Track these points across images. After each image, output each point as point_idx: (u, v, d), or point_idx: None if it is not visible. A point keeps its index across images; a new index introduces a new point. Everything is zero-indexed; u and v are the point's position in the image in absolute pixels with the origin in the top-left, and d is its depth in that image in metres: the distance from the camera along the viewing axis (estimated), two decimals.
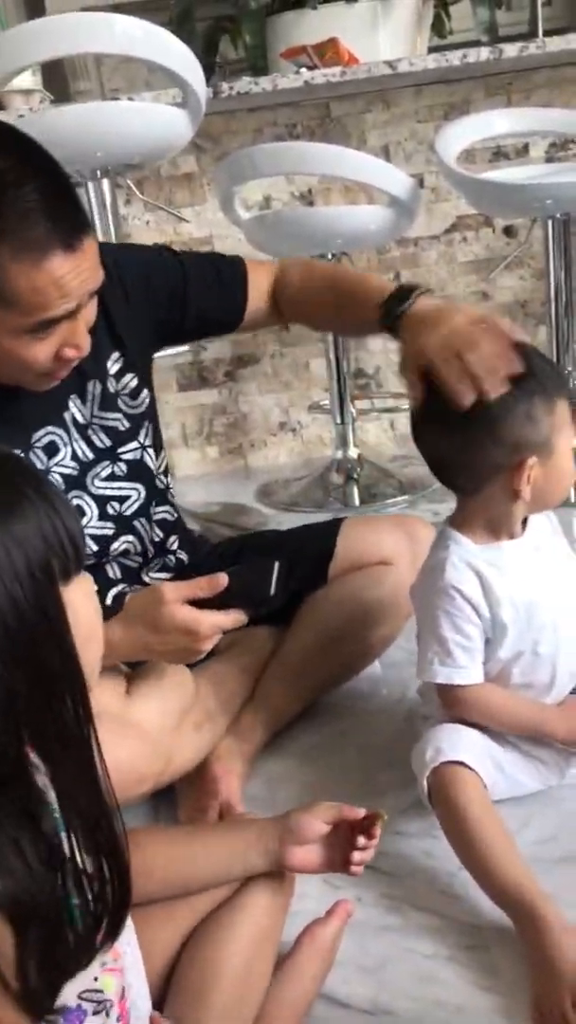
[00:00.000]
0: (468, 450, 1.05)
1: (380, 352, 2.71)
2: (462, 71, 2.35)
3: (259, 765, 1.31)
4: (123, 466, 1.26)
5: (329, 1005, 0.93)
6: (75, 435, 1.22)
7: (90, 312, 1.08)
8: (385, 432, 2.79)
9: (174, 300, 1.29)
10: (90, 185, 2.00)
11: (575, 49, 2.28)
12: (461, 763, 1.06)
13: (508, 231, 2.62)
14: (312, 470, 2.59)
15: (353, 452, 2.52)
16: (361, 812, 0.92)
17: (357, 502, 2.40)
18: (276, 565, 1.06)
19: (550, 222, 2.17)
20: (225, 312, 1.35)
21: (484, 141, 2.42)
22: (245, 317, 1.35)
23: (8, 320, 1.01)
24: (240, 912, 0.88)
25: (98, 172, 1.97)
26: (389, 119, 2.53)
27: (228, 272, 1.34)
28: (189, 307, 1.30)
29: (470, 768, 1.06)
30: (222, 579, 1.04)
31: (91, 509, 1.24)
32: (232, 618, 1.06)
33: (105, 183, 2.02)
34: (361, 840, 0.91)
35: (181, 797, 1.24)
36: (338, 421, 2.50)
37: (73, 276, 1.01)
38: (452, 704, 1.12)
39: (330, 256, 2.32)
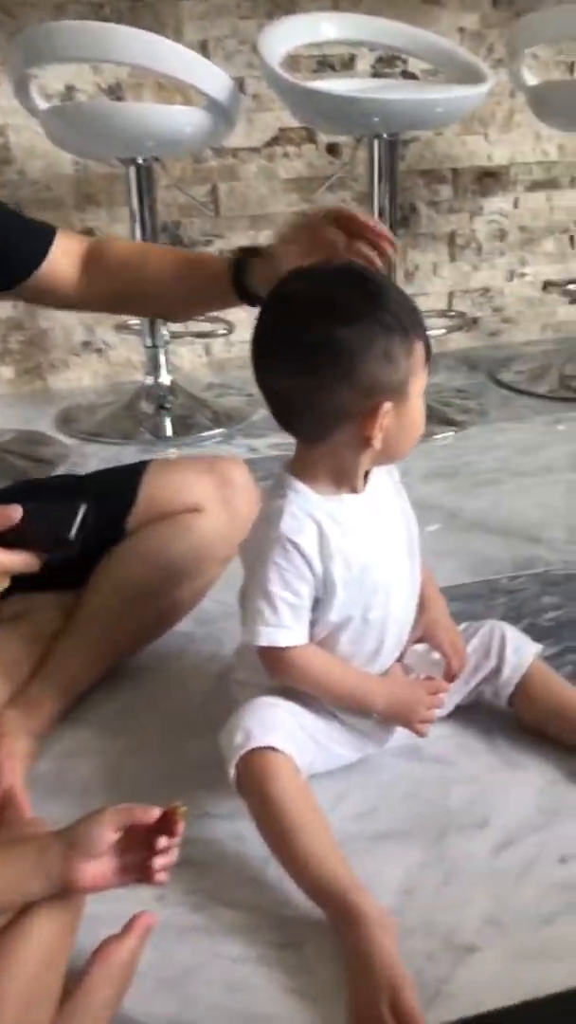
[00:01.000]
0: (318, 391, 0.93)
1: None
2: None
3: (50, 739, 1.17)
4: None
5: None
6: None
7: None
8: (200, 358, 2.63)
9: None
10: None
11: None
12: (272, 748, 0.96)
13: (332, 149, 2.48)
14: (119, 396, 2.39)
15: (165, 379, 2.35)
16: (156, 812, 0.80)
17: (169, 433, 2.24)
18: (83, 507, 0.90)
19: (376, 141, 2.04)
20: (20, 254, 1.17)
21: (309, 47, 2.25)
22: (41, 268, 1.18)
23: None
24: (20, 939, 0.75)
25: None
26: (208, 10, 2.29)
27: (35, 222, 1.22)
28: None
29: (282, 752, 0.96)
30: (15, 511, 0.88)
31: None
32: (21, 559, 0.89)
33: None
34: (161, 841, 0.79)
35: None
36: (148, 344, 2.31)
37: None
38: (272, 667, 1.02)
39: (140, 161, 2.10)
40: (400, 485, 1.10)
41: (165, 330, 2.33)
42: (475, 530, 1.69)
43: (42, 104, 2.02)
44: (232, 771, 0.97)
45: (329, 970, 0.86)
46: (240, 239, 2.50)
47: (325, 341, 0.90)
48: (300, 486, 0.99)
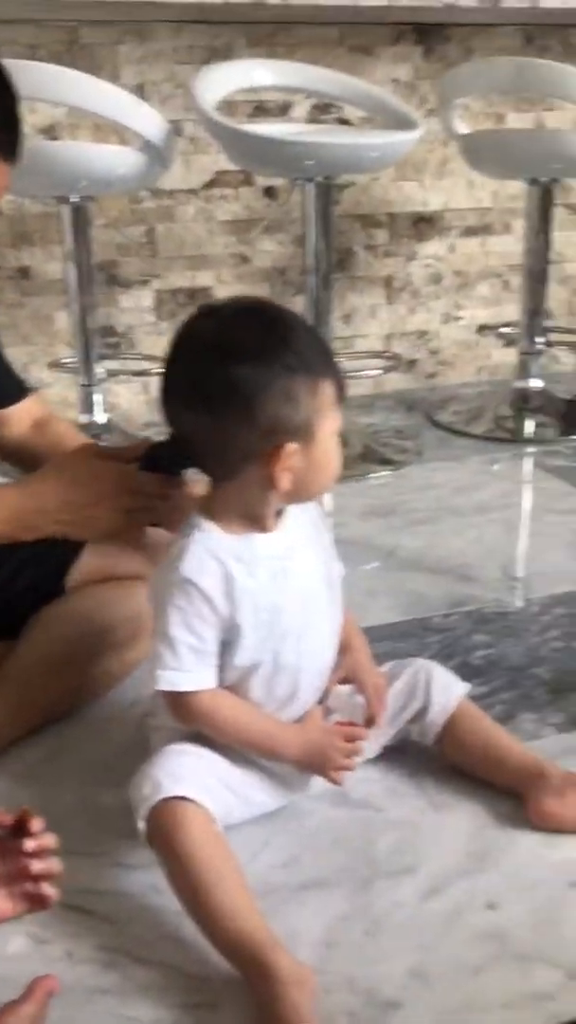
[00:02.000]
0: (219, 431, 0.91)
1: (133, 310, 2.51)
2: (224, 13, 2.18)
3: None
4: None
5: None
6: None
7: None
8: (137, 396, 2.60)
9: None
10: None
11: (342, 6, 2.18)
12: (182, 798, 0.92)
13: (269, 192, 2.50)
14: None
15: (101, 417, 2.32)
16: (6, 818, 0.79)
17: None
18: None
19: (310, 185, 2.06)
20: None
21: (245, 92, 2.27)
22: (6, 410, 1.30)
23: None
24: None
25: None
26: (145, 54, 2.31)
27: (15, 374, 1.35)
28: None
29: (193, 802, 0.92)
30: (142, 444, 1.09)
31: None
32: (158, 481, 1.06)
33: None
34: (29, 844, 0.76)
35: None
36: (84, 382, 2.28)
37: None
38: (177, 712, 0.98)
39: (75, 199, 2.09)
40: (321, 523, 1.07)
41: (100, 368, 2.31)
42: (410, 569, 1.68)
43: None
44: (141, 824, 0.93)
45: None
46: (178, 279, 2.50)
47: (222, 380, 0.89)
48: (207, 525, 0.96)
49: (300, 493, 0.96)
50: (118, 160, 1.98)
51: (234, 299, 0.98)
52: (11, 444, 1.32)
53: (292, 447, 0.91)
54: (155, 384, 2.60)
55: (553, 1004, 0.84)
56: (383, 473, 2.13)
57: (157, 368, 2.38)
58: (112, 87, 1.91)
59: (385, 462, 2.19)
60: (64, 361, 2.39)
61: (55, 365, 2.44)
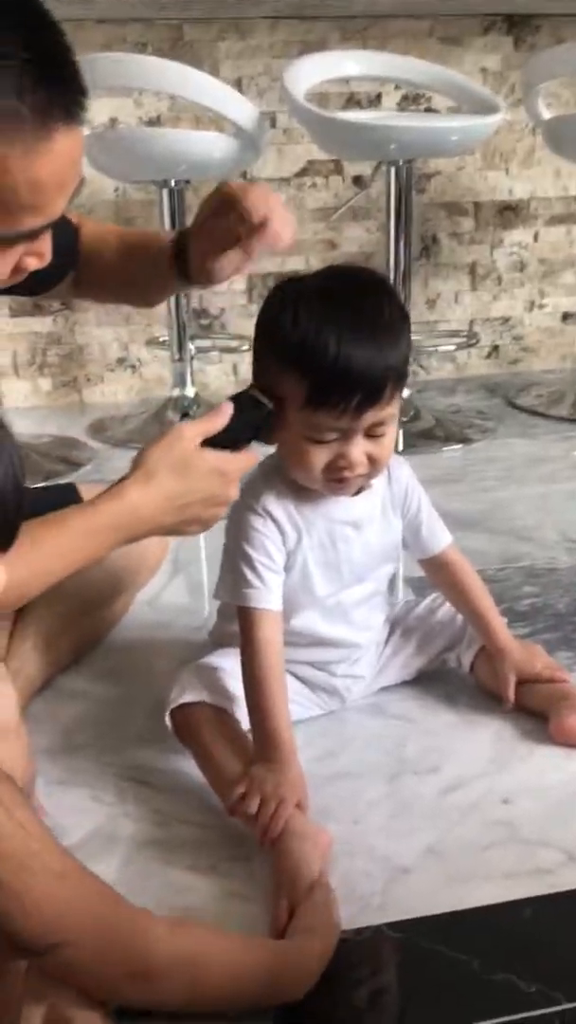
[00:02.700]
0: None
1: (226, 293, 2.66)
2: (318, 8, 2.31)
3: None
4: None
5: None
6: None
7: None
8: (226, 375, 2.75)
9: None
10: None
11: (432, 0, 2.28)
12: (202, 703, 1.05)
13: (357, 181, 2.61)
14: (149, 408, 2.52)
15: (190, 390, 2.47)
16: None
17: None
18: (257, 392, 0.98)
19: (393, 169, 2.16)
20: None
21: (336, 83, 2.39)
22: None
23: None
24: None
25: None
26: (243, 50, 2.45)
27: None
28: None
29: (212, 706, 1.05)
30: (226, 407, 0.97)
31: None
32: (251, 457, 0.99)
33: None
34: None
35: None
36: (176, 358, 2.44)
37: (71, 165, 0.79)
38: (243, 625, 1.06)
39: (173, 184, 2.25)
40: (394, 509, 1.12)
41: (192, 346, 2.46)
42: (471, 528, 1.75)
43: (84, 132, 2.18)
44: (167, 720, 1.07)
45: (271, 882, 0.92)
46: (268, 264, 2.63)
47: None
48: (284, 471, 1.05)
49: (292, 472, 1.03)
50: (214, 145, 2.12)
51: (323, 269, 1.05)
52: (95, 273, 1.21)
53: (271, 413, 0.97)
54: (243, 364, 2.76)
55: (552, 878, 0.91)
56: (456, 447, 2.21)
57: (245, 347, 2.56)
58: (208, 77, 2.06)
59: (460, 439, 2.26)
60: (160, 339, 2.55)
61: (152, 343, 2.61)
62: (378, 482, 1.10)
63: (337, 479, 1.00)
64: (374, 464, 1.00)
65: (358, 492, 1.07)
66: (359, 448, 0.98)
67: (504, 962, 0.81)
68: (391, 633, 1.23)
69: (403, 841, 0.98)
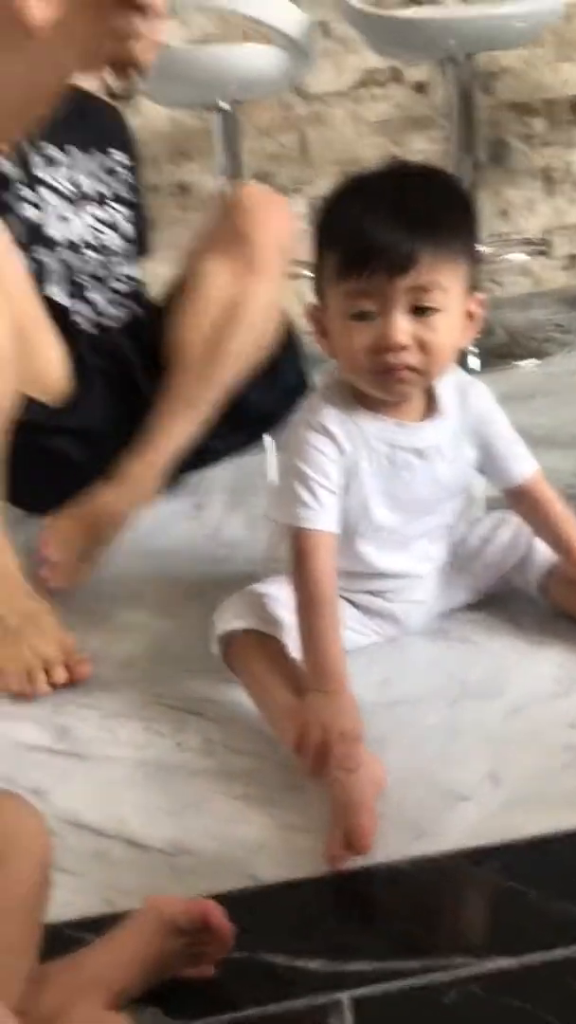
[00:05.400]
0: None
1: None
2: None
3: (102, 615, 1.26)
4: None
5: (126, 847, 0.88)
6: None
7: None
8: (292, 303, 2.67)
9: None
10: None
11: None
12: (249, 630, 1.02)
13: (420, 88, 2.46)
14: None
15: None
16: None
17: None
18: None
19: (454, 68, 2.03)
20: None
21: None
22: None
23: None
24: None
25: None
26: None
27: None
28: None
29: (261, 633, 1.02)
30: None
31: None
32: None
33: None
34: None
35: None
36: None
37: None
38: (295, 546, 1.01)
39: (225, 106, 2.17)
40: (466, 439, 1.07)
41: None
42: (544, 444, 1.65)
43: None
44: (214, 648, 1.05)
45: (326, 811, 0.90)
46: (330, 186, 2.53)
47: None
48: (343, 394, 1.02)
49: (343, 369, 1.00)
50: (262, 59, 2.03)
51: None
52: None
53: (312, 307, 0.98)
54: (303, 287, 2.68)
55: None
56: (530, 361, 2.10)
57: (307, 273, 2.48)
58: None
59: (537, 354, 2.16)
60: None
61: None
62: (450, 408, 1.04)
63: (384, 368, 0.95)
64: (425, 351, 0.94)
65: (427, 415, 1.03)
66: (401, 324, 0.93)
67: (562, 892, 0.77)
68: (453, 555, 1.18)
69: (462, 768, 0.94)
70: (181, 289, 1.45)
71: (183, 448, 1.36)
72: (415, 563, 1.11)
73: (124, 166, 1.52)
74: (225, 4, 1.96)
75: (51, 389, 1.35)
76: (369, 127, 2.50)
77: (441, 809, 0.89)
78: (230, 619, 1.05)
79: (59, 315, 1.39)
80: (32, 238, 1.44)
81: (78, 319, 1.46)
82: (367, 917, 0.82)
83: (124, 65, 0.73)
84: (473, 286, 0.97)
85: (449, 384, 1.05)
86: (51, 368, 1.35)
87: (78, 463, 1.40)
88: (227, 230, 1.41)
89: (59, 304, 1.41)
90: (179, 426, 1.35)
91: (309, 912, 0.80)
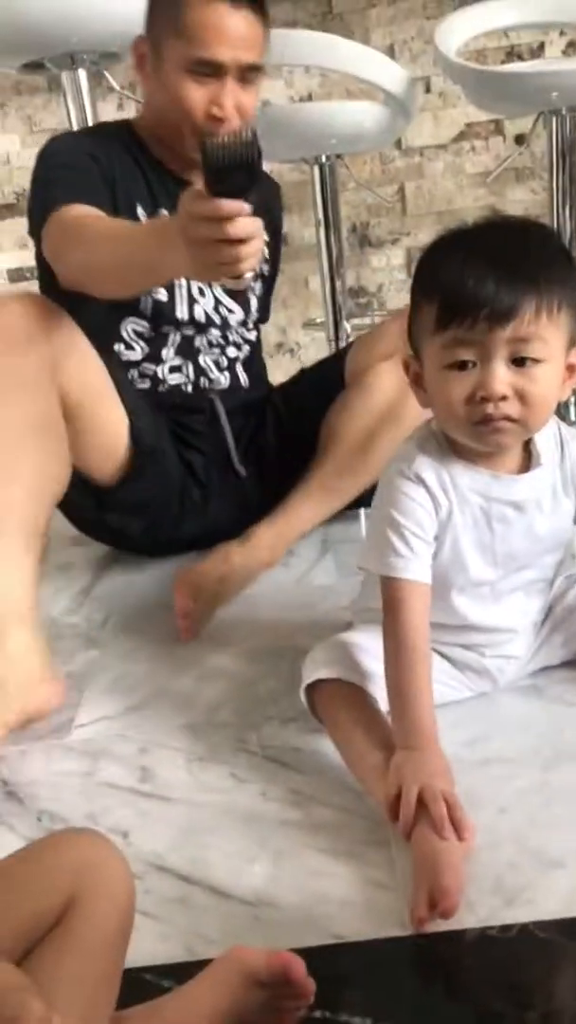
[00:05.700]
0: None
1: (384, 269, 2.60)
2: None
3: (190, 659, 1.26)
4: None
5: (209, 896, 0.87)
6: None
7: (242, 96, 1.35)
8: None
9: None
10: (64, 76, 1.91)
11: None
12: (337, 680, 1.01)
13: (519, 139, 2.47)
14: None
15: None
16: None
17: None
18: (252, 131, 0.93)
19: (555, 119, 2.02)
20: None
21: (494, 37, 2.28)
22: None
23: (177, 49, 1.31)
24: None
25: (72, 60, 1.88)
26: (395, 15, 2.38)
27: None
28: None
29: (347, 683, 1.01)
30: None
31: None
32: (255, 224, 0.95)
33: (81, 73, 1.93)
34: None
35: None
36: (331, 338, 2.41)
37: (232, 30, 1.30)
38: (386, 596, 1.00)
39: (324, 159, 2.22)
40: (566, 490, 1.04)
41: (348, 325, 2.42)
42: None
43: None
44: (302, 696, 1.04)
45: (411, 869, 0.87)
46: (428, 236, 2.55)
47: None
48: (444, 442, 1.02)
49: (439, 420, 1.00)
50: (363, 115, 2.07)
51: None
52: None
53: (409, 358, 0.97)
54: None
55: None
56: None
57: None
58: (353, 44, 2.00)
59: None
60: (316, 320, 2.53)
61: (309, 325, 2.59)
62: (548, 461, 1.02)
63: (482, 418, 0.93)
64: (524, 402, 0.92)
65: (526, 470, 1.01)
66: (500, 375, 0.91)
67: None
68: (550, 610, 1.15)
69: (556, 833, 0.90)
70: (339, 377, 1.52)
71: (312, 528, 1.43)
72: (511, 617, 1.08)
73: (266, 242, 1.46)
74: (329, 64, 2.00)
75: (111, 464, 1.40)
76: (468, 179, 2.52)
77: (533, 875, 0.85)
78: (317, 667, 1.04)
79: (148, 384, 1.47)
80: (157, 316, 1.47)
81: (179, 379, 1.50)
82: (451, 984, 0.78)
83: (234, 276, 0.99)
84: (573, 339, 0.95)
85: (548, 436, 1.03)
86: (113, 443, 1.39)
87: (136, 535, 1.50)
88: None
89: (154, 372, 1.48)
90: (314, 509, 1.42)
91: (391, 974, 0.78)
